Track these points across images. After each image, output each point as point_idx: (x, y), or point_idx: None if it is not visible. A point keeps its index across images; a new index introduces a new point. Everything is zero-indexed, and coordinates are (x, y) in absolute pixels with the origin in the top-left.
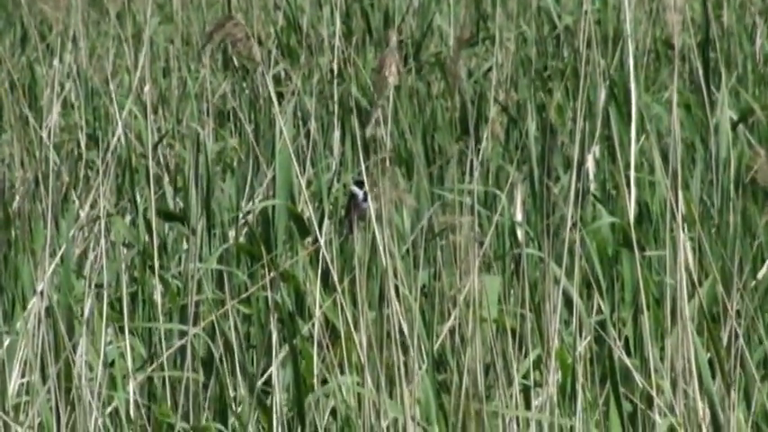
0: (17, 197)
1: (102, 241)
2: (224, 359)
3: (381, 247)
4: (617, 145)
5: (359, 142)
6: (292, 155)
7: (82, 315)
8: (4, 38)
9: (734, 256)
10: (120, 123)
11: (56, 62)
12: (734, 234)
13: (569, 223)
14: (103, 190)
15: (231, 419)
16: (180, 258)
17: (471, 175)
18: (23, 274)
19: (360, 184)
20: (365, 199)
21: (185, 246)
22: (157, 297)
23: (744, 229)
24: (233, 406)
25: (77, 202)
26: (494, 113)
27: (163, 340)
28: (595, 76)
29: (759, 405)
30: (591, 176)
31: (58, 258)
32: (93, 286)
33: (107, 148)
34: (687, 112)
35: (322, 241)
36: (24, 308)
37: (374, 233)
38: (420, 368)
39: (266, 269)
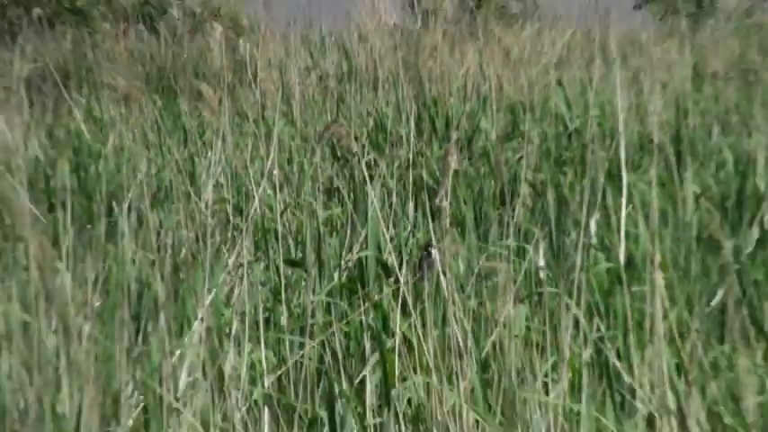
0: (183, 250)
1: (245, 281)
2: (331, 365)
3: (444, 285)
4: (612, 211)
5: (428, 211)
6: (380, 219)
7: (230, 333)
8: (173, 137)
9: (695, 291)
10: (256, 198)
11: (210, 154)
12: (695, 275)
13: (578, 267)
14: (245, 245)
15: (337, 407)
16: (300, 293)
17: (508, 234)
18: (188, 305)
19: (429, 244)
20: (431, 255)
21: (303, 284)
22: (284, 321)
23: (703, 271)
24: (338, 398)
25: (227, 254)
26: (524, 190)
27: (288, 352)
28: (596, 163)
29: (711, 396)
30: (593, 234)
31: (213, 294)
32: (238, 313)
33: (247, 215)
34: (662, 188)
35: (402, 281)
36: (189, 328)
37: (439, 275)
38: (471, 370)
39: (362, 301)
